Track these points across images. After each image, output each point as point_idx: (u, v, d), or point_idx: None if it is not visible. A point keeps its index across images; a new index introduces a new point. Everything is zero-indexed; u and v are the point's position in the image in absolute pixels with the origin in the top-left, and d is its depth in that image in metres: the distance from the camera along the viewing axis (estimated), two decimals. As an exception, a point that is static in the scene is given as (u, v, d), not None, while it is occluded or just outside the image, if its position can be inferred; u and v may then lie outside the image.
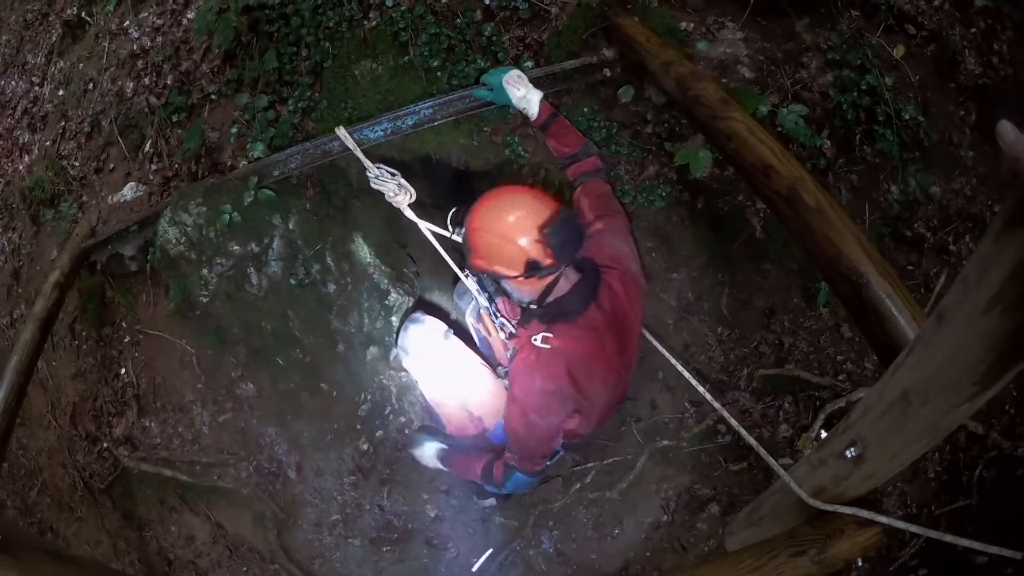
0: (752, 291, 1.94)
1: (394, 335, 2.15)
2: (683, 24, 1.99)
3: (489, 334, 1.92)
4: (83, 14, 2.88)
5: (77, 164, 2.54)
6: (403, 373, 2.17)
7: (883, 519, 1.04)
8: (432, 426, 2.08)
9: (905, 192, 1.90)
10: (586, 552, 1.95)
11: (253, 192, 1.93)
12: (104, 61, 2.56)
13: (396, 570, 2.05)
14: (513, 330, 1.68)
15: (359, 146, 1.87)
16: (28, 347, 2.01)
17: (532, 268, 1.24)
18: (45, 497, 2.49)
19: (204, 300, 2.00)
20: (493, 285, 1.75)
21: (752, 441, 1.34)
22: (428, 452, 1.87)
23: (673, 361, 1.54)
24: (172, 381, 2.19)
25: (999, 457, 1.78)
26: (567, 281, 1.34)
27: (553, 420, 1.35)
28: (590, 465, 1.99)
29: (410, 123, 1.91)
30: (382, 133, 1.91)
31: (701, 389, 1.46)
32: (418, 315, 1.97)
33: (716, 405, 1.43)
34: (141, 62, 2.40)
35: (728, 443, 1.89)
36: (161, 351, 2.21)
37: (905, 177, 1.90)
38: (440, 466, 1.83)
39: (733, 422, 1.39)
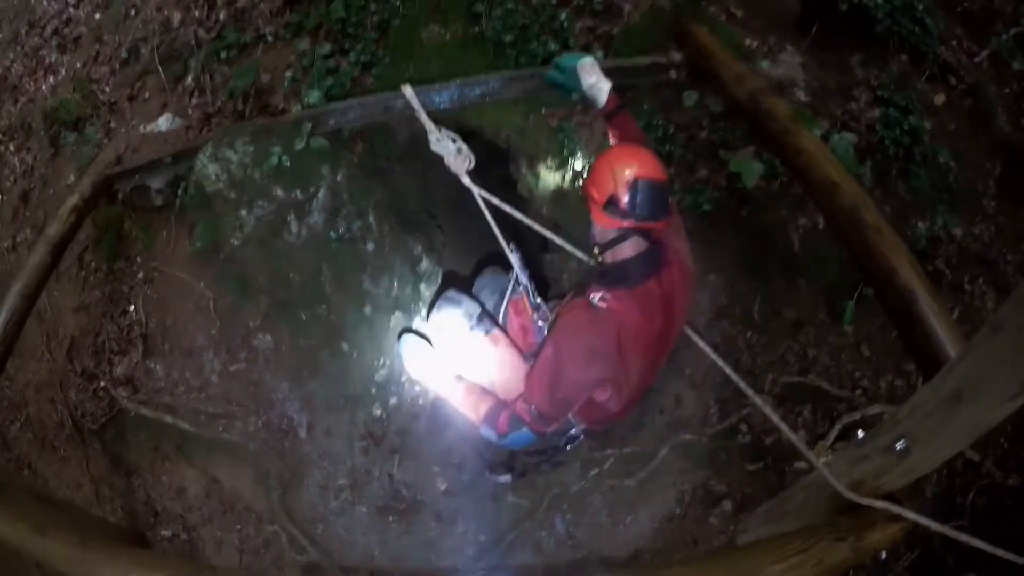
0: (783, 302, 1.82)
1: (425, 308, 1.90)
2: (747, 41, 1.85)
3: (513, 317, 1.70)
4: (132, -59, 2.51)
5: (108, 89, 2.19)
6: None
7: (913, 515, 1.01)
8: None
9: (931, 229, 1.82)
10: (597, 538, 1.76)
11: (306, 138, 1.67)
12: (151, -11, 2.22)
13: (401, 542, 1.80)
14: (549, 312, 1.49)
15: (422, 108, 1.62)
16: (36, 271, 1.68)
17: (610, 203, 1.21)
18: (27, 432, 2.11)
19: (236, 243, 1.71)
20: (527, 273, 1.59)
21: (793, 436, 1.25)
22: (428, 361, 1.63)
23: (718, 360, 1.40)
24: (184, 324, 1.88)
25: (991, 485, 1.72)
26: (634, 246, 1.25)
27: (585, 377, 1.25)
28: (609, 452, 1.80)
29: (477, 93, 1.70)
30: (448, 99, 1.68)
31: (744, 386, 1.36)
32: (453, 294, 1.74)
33: (758, 401, 1.33)
34: (194, -6, 2.08)
35: (747, 443, 1.75)
36: (176, 291, 1.89)
37: (933, 216, 1.82)
38: (439, 386, 1.60)
39: (775, 418, 1.28)
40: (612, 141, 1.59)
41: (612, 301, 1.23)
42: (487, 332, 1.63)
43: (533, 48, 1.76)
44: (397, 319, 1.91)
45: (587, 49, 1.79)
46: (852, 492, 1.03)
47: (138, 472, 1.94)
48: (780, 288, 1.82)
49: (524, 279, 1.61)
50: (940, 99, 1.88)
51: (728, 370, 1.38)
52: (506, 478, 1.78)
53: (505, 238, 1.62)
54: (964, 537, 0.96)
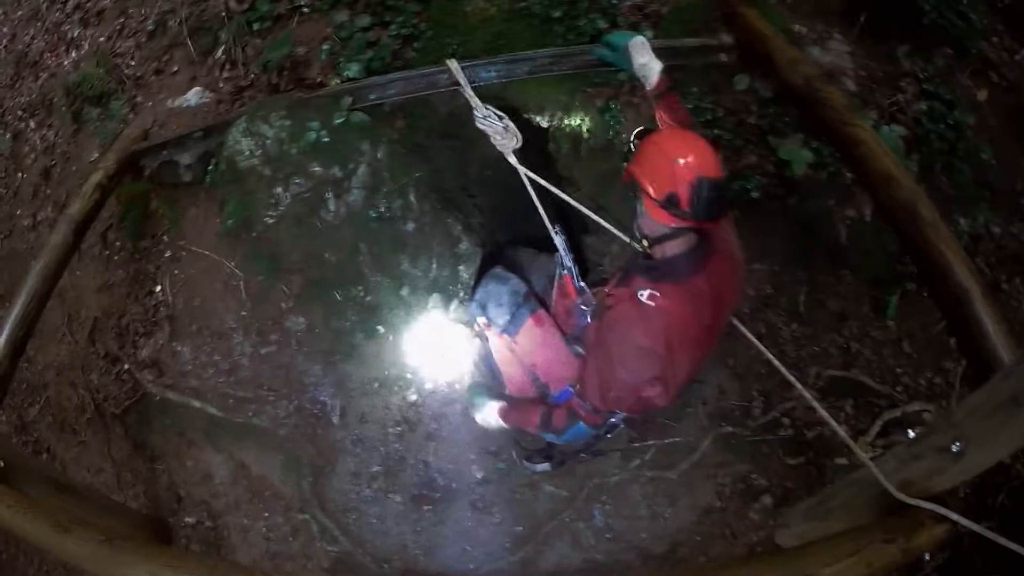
0: (827, 293, 1.69)
1: (464, 290, 1.74)
2: (795, 26, 1.71)
3: (559, 299, 1.56)
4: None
5: (134, 63, 2.00)
6: (462, 325, 1.76)
7: (957, 517, 0.99)
8: (481, 382, 1.69)
9: (973, 226, 1.70)
10: (636, 531, 1.63)
11: (345, 113, 1.50)
12: (180, -40, 2.03)
13: (435, 532, 1.65)
14: (592, 297, 1.38)
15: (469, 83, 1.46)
16: (58, 251, 1.52)
17: (669, 201, 1.05)
18: (46, 415, 1.93)
19: (269, 221, 1.54)
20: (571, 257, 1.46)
21: (845, 436, 1.17)
22: (490, 413, 1.51)
23: (772, 359, 1.29)
24: (213, 305, 1.71)
25: (1020, 487, 1.60)
26: (686, 242, 1.13)
27: (637, 377, 1.15)
28: (650, 443, 1.67)
29: (525, 69, 1.54)
30: (495, 74, 1.53)
31: (797, 384, 1.25)
32: (500, 271, 1.58)
33: (810, 398, 1.22)
34: (225, -36, 1.89)
35: (789, 437, 1.62)
36: (204, 271, 1.72)
37: (975, 213, 1.70)
38: (502, 423, 1.49)
39: (827, 417, 1.18)
40: (660, 124, 1.44)
41: (660, 298, 1.10)
42: (532, 311, 1.49)
43: (581, 25, 1.61)
44: (435, 301, 1.75)
45: (636, 28, 1.64)
46: (902, 492, 1.00)
47: (162, 457, 1.77)
48: (825, 279, 1.69)
49: (568, 262, 1.48)
50: (983, 95, 1.76)
51: (781, 368, 1.27)
52: (544, 467, 1.64)
53: (550, 220, 1.47)
54: (1011, 544, 0.91)
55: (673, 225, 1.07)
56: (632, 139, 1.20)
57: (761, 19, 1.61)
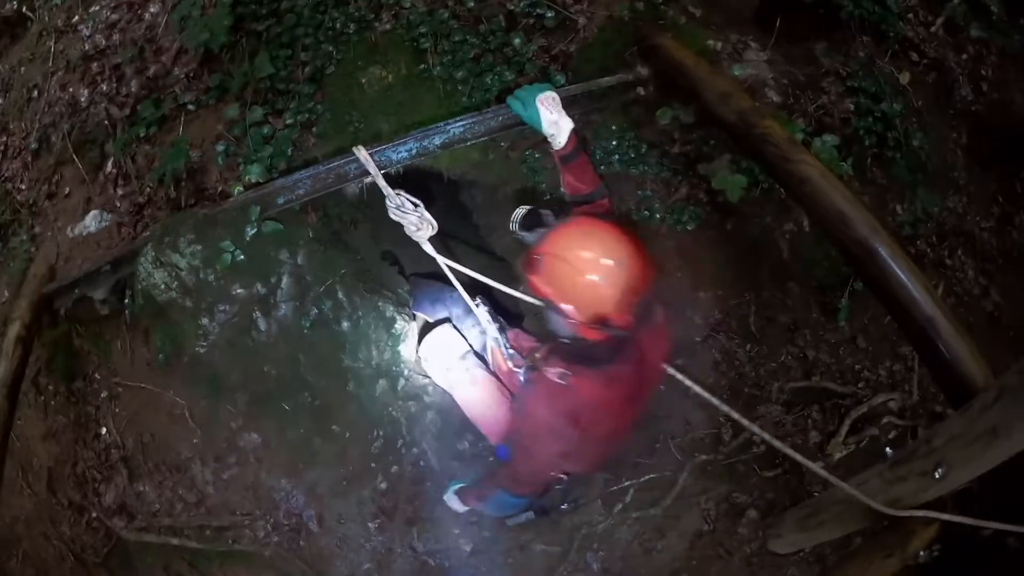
0: (777, 308, 1.59)
1: (415, 343, 1.61)
2: (711, 42, 1.52)
3: (498, 365, 1.44)
4: (23, 8, 1.93)
5: (24, 188, 1.71)
6: (411, 403, 1.64)
7: (946, 517, 1.01)
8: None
9: (912, 213, 1.58)
10: (634, 568, 1.56)
11: (256, 224, 1.28)
12: (51, 64, 1.71)
13: (441, 613, 1.55)
14: (524, 362, 1.26)
15: (380, 169, 1.25)
16: None
17: (599, 321, 0.91)
18: (27, 568, 1.73)
19: (201, 351, 1.34)
20: (500, 324, 1.37)
21: (816, 468, 1.12)
22: (451, 497, 1.46)
23: (722, 406, 1.17)
24: (163, 438, 1.53)
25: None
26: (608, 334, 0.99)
27: (544, 451, 1.10)
28: (627, 484, 1.58)
29: (437, 143, 1.33)
30: (407, 154, 1.32)
31: (751, 426, 1.15)
32: (441, 326, 1.48)
33: (769, 438, 1.13)
34: (96, 64, 1.61)
35: (762, 453, 1.55)
36: (146, 405, 1.53)
37: (913, 199, 1.58)
38: (463, 506, 1.45)
39: (797, 456, 1.11)
40: (566, 188, 1.26)
41: (573, 378, 0.98)
42: (468, 371, 1.40)
43: (488, 81, 1.39)
44: (382, 387, 1.59)
45: (545, 73, 1.44)
46: (891, 508, 1.03)
47: (154, 591, 1.61)
48: (772, 295, 1.58)
49: (495, 333, 1.34)
50: (906, 78, 1.61)
51: (732, 412, 1.17)
52: (526, 515, 1.54)
53: (471, 294, 1.30)
54: (1001, 525, 0.96)
55: (601, 339, 0.93)
56: (516, 227, 1.02)
57: (681, 49, 1.41)
